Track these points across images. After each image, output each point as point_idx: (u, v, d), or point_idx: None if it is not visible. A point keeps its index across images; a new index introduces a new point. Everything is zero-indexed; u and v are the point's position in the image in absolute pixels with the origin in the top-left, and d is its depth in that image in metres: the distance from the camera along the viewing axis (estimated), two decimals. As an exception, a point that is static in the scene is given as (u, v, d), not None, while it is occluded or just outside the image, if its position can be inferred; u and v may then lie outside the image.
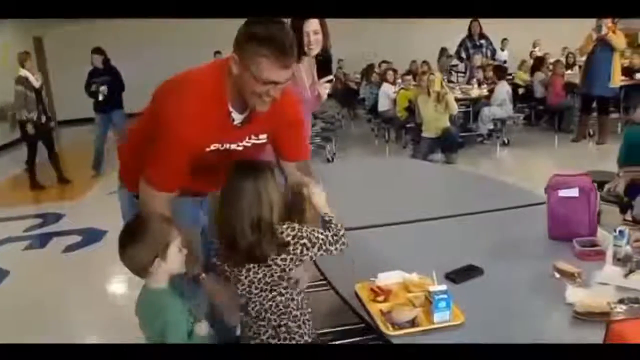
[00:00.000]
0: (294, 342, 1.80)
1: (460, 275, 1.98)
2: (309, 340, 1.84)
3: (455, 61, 10.29)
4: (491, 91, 7.85)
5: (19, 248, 5.12)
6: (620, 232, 2.02)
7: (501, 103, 7.60)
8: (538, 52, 11.27)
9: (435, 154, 7.03)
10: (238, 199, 1.70)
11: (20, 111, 6.72)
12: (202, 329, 1.79)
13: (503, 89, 7.71)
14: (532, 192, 2.97)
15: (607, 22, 6.77)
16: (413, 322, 1.70)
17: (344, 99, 10.95)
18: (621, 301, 1.69)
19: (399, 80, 8.71)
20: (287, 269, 1.73)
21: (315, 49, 2.73)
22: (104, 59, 7.33)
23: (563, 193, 2.25)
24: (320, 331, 2.26)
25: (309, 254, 1.73)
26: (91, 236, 5.13)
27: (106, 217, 5.29)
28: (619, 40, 6.89)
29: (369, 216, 2.64)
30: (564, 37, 11.26)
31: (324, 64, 2.78)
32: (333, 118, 9.14)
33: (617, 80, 7.12)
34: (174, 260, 1.75)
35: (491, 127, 7.79)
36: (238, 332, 2.12)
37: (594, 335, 1.51)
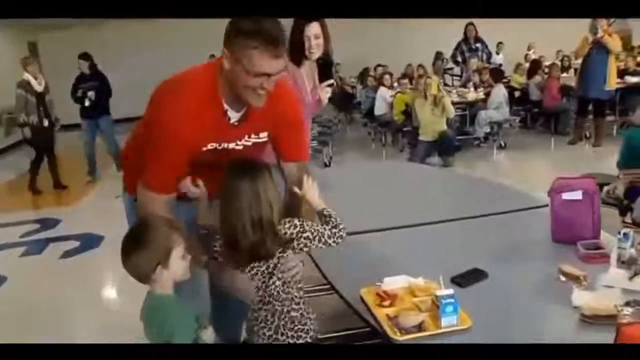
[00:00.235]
0: (297, 334, 1.81)
1: (466, 279, 1.97)
2: (313, 335, 1.85)
3: (450, 64, 10.33)
4: (487, 94, 7.87)
5: (16, 254, 5.07)
6: (625, 234, 2.01)
7: (498, 106, 7.62)
8: (533, 55, 11.32)
9: (432, 158, 7.04)
10: (237, 198, 1.71)
11: (20, 114, 6.67)
12: (208, 335, 1.77)
13: (500, 92, 7.73)
14: (530, 194, 2.97)
15: (603, 24, 6.80)
16: (420, 327, 1.69)
17: (341, 103, 10.92)
18: (627, 304, 1.68)
19: (396, 84, 8.73)
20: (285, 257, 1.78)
21: (317, 53, 2.73)
22: (90, 64, 7.19)
23: (567, 196, 2.26)
24: (325, 335, 2.25)
25: (311, 246, 1.78)
26: (88, 242, 5.08)
27: (103, 223, 5.34)
28: (614, 43, 6.92)
29: (367, 220, 2.63)
30: (558, 39, 11.32)
31: (325, 68, 2.77)
32: (330, 122, 9.12)
33: (613, 82, 7.16)
34: (177, 267, 1.72)
35: (488, 130, 7.79)
36: (243, 338, 2.11)
37: (601, 338, 1.51)
